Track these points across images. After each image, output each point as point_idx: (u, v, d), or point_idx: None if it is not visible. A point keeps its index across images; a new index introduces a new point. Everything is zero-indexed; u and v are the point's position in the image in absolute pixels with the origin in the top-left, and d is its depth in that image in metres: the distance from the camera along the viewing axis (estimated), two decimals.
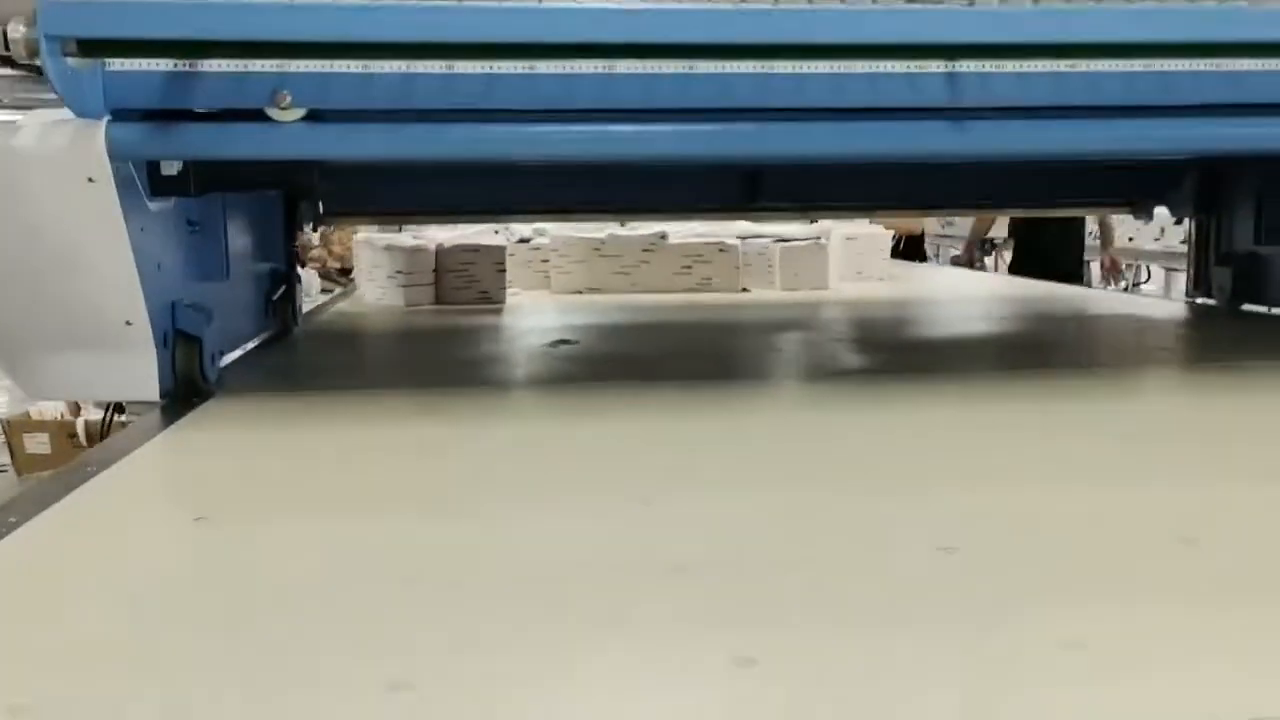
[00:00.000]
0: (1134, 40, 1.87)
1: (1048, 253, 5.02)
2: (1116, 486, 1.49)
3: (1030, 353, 2.82)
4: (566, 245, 4.28)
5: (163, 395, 2.06)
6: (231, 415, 2.00)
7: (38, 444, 5.76)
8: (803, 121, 1.97)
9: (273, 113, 1.87)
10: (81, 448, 5.59)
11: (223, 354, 2.29)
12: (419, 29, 1.76)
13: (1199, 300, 3.63)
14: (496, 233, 4.40)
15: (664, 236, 4.27)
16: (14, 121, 1.85)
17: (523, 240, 4.43)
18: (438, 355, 2.78)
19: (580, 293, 4.21)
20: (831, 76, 1.89)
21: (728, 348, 2.94)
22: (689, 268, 4.26)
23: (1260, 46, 1.92)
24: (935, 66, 1.88)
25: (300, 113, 1.88)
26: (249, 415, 2.00)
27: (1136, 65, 1.92)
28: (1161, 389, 2.26)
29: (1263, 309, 3.31)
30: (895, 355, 2.81)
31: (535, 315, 3.64)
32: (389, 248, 3.86)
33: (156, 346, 2.03)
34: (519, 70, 1.84)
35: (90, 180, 1.84)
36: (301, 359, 2.67)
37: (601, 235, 4.27)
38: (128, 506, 1.47)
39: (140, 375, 2.03)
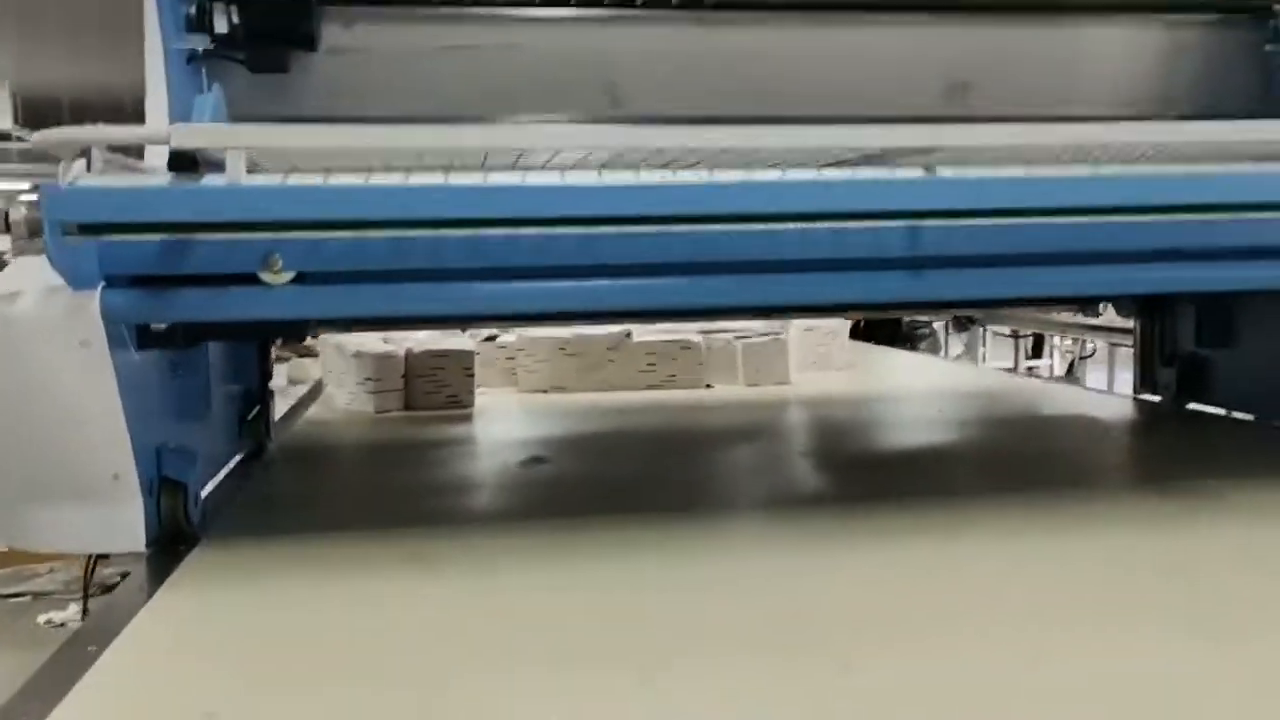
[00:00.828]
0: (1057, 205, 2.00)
1: None
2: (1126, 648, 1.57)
3: (991, 468, 2.91)
4: (532, 344, 4.35)
5: (148, 544, 2.09)
6: (221, 572, 2.03)
7: None
8: (771, 274, 2.07)
9: (265, 276, 1.93)
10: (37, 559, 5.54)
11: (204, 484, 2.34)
12: (404, 209, 1.83)
13: (1146, 397, 3.78)
14: (463, 330, 4.46)
15: (628, 335, 4.36)
16: (14, 293, 1.89)
17: (489, 338, 4.50)
18: (413, 480, 2.82)
19: (546, 391, 4.28)
20: (798, 233, 2.00)
21: (700, 466, 3.01)
22: (653, 365, 4.34)
23: (1184, 207, 2.05)
24: (897, 225, 1.99)
25: (290, 275, 1.95)
26: (238, 571, 2.03)
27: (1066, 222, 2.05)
28: (1134, 516, 2.34)
29: (1207, 409, 3.47)
30: (859, 473, 2.90)
31: (505, 422, 3.70)
32: (358, 354, 3.90)
33: (142, 495, 2.07)
34: (500, 236, 1.92)
35: (83, 344, 1.89)
36: (278, 489, 2.70)
37: (567, 334, 4.35)
38: (136, 705, 1.47)
39: (127, 526, 2.06)
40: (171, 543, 2.14)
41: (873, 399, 4.22)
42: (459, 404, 3.93)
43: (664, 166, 2.09)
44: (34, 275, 1.96)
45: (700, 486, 2.75)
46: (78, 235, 1.75)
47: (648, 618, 1.73)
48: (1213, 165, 2.13)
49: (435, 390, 3.92)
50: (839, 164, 2.13)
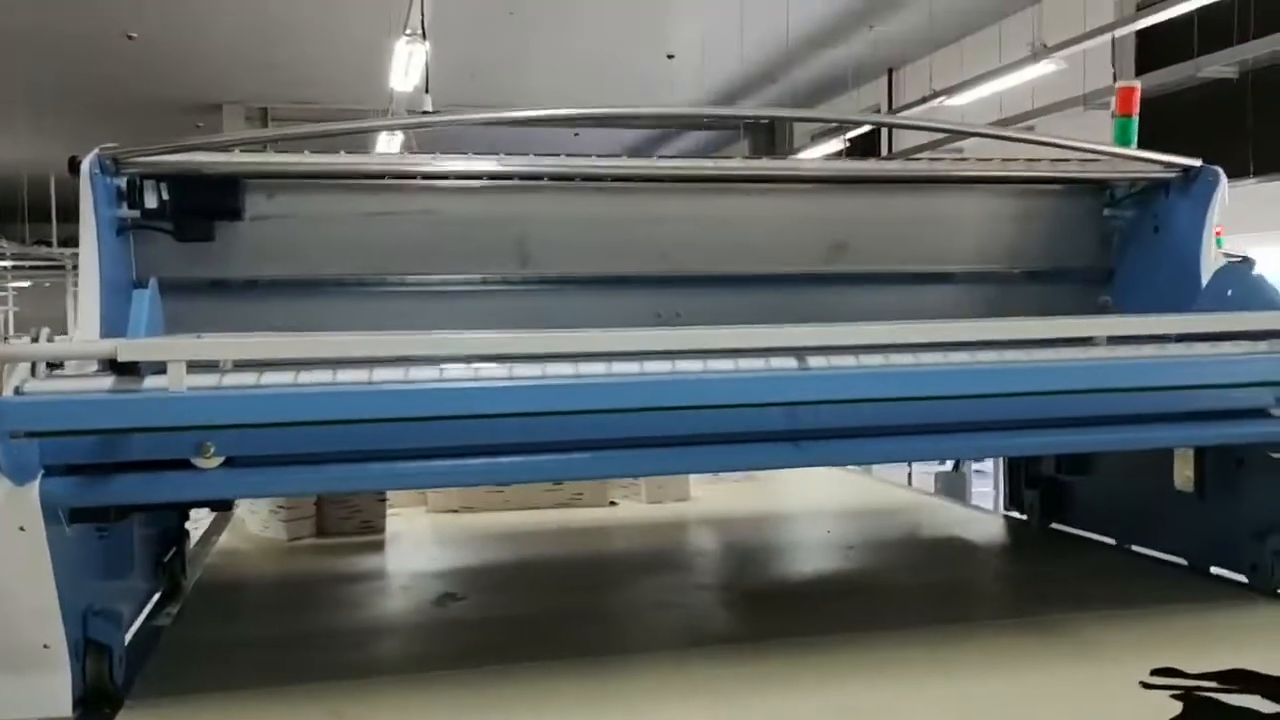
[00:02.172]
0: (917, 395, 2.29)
1: None
2: None
3: (868, 601, 3.12)
4: None
5: (74, 707, 2.20)
6: None
7: None
8: (667, 447, 2.32)
9: (197, 462, 2.09)
10: None
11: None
12: (321, 411, 2.01)
13: (1013, 514, 4.09)
14: None
15: None
16: None
17: None
18: (330, 623, 2.96)
19: (456, 511, 4.42)
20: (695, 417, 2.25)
21: (607, 600, 3.18)
22: (559, 485, 4.53)
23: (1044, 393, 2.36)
24: (776, 411, 2.25)
25: (220, 460, 2.11)
26: None
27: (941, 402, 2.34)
28: (991, 656, 2.58)
29: (1066, 529, 3.79)
30: (749, 608, 3.11)
31: (418, 551, 3.84)
32: None
33: (70, 660, 2.18)
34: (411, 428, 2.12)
35: (21, 529, 2.02)
36: (195, 637, 2.80)
37: None
38: None
39: (53, 692, 2.18)
40: (96, 704, 2.25)
41: (765, 517, 4.45)
42: (372, 529, 4.05)
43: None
44: None
45: (608, 624, 2.93)
46: (23, 438, 1.89)
47: None
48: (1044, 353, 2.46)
49: (349, 516, 4.04)
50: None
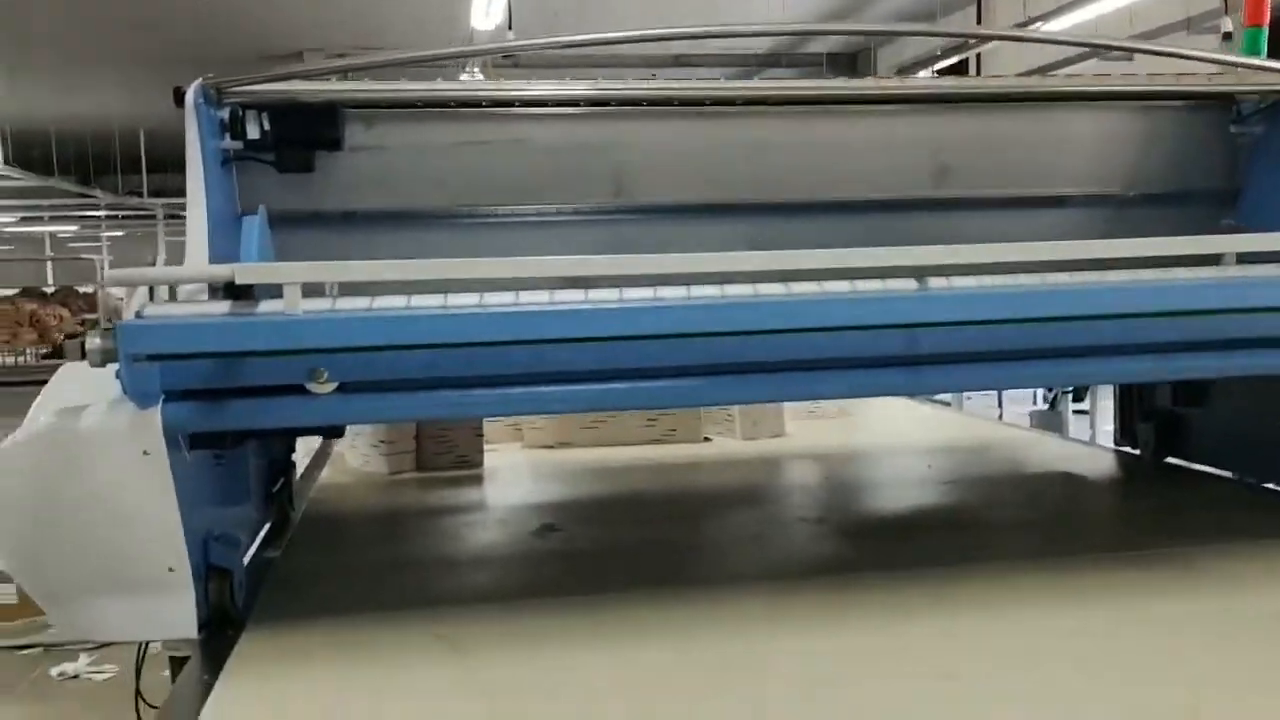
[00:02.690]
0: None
1: None
2: None
3: (979, 534, 3.05)
4: None
5: (200, 630, 2.25)
6: (271, 664, 2.17)
7: (3, 595, 5.80)
8: (780, 373, 2.26)
9: (311, 387, 2.09)
10: None
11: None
12: (441, 335, 2.00)
13: (1126, 450, 3.96)
14: None
15: None
16: (81, 407, 2.05)
17: None
18: (433, 552, 2.98)
19: (551, 447, 4.43)
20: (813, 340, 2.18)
21: (707, 532, 3.16)
22: (654, 421, 4.51)
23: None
24: (895, 335, 2.18)
25: (334, 385, 2.11)
26: (286, 663, 2.17)
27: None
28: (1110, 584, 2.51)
29: (1184, 463, 3.66)
30: (855, 541, 3.05)
31: (515, 485, 3.85)
32: None
33: (194, 584, 2.22)
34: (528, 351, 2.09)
35: (145, 453, 2.05)
36: (307, 566, 2.84)
37: None
38: None
39: (180, 615, 2.22)
40: (219, 627, 2.29)
41: (861, 453, 4.39)
42: (469, 464, 4.08)
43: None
44: (91, 384, 2.14)
45: (710, 555, 2.91)
46: (145, 362, 1.90)
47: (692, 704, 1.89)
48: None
49: (445, 451, 4.08)
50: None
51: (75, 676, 5.33)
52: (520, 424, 4.57)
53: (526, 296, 2.11)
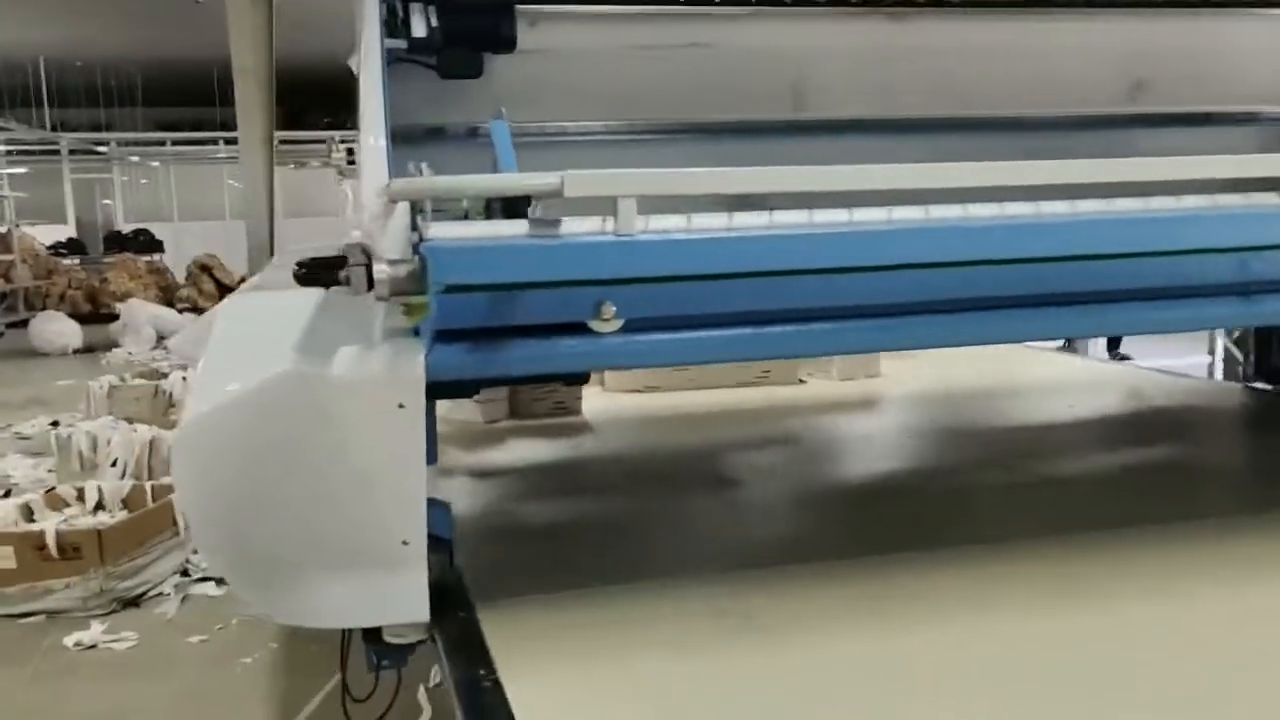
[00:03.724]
0: None
1: None
2: None
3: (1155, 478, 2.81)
4: None
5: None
6: (545, 656, 1.84)
7: (1, 559, 5.30)
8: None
9: (595, 325, 1.75)
10: (52, 560, 5.17)
11: None
12: (747, 260, 1.66)
13: (1256, 385, 3.81)
14: None
15: None
16: (328, 349, 1.68)
17: None
18: (620, 510, 2.66)
19: (640, 391, 4.12)
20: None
21: (923, 488, 2.82)
22: (745, 363, 4.21)
23: None
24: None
25: (620, 323, 1.77)
26: (563, 653, 1.85)
27: None
28: None
29: None
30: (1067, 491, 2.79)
31: (634, 433, 3.53)
32: None
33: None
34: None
35: (400, 406, 1.70)
36: (472, 526, 2.50)
37: None
38: None
39: (410, 595, 1.88)
40: (445, 606, 1.96)
41: (984, 394, 4.12)
42: (566, 410, 3.75)
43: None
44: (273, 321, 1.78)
45: (959, 515, 2.57)
46: (443, 294, 1.55)
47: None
48: None
49: (542, 397, 3.74)
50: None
51: (93, 646, 4.89)
52: None
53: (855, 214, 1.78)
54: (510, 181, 1.50)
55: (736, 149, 2.76)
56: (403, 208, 1.62)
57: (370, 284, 1.49)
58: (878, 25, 2.81)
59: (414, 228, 1.64)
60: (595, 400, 4.02)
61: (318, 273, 1.64)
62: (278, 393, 1.70)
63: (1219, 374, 7.54)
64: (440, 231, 1.55)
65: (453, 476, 2.97)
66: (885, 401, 3.93)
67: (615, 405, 3.97)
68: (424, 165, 1.65)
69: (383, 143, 2.14)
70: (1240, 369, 3.99)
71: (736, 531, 2.54)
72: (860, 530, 2.45)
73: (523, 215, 1.67)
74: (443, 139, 2.63)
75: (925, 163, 2.73)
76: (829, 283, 1.70)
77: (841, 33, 2.79)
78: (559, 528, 2.54)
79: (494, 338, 1.71)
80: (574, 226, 1.61)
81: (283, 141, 12.58)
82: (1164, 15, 2.97)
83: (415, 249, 1.62)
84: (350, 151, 2.95)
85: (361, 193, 2.22)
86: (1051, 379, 4.34)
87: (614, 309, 1.73)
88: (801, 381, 4.26)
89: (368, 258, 1.56)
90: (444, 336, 1.68)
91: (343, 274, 1.57)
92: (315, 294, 2.05)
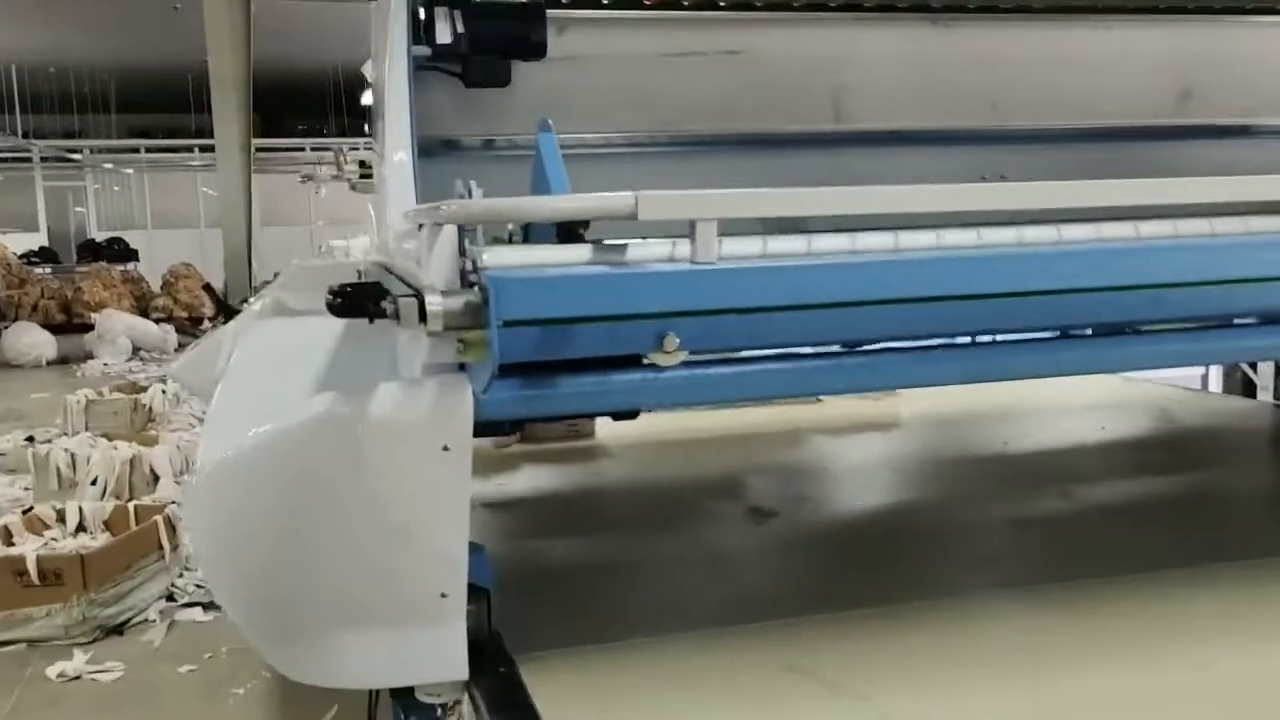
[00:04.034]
0: None
1: None
2: None
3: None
4: None
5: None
6: (576, 707, 1.69)
7: None
8: None
9: (656, 358, 1.59)
10: (33, 587, 4.96)
11: None
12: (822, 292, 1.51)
13: None
14: None
15: None
16: (367, 385, 1.52)
17: None
18: (652, 547, 2.50)
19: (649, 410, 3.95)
20: None
21: (979, 519, 2.69)
22: None
23: None
24: None
25: (683, 355, 1.61)
26: (596, 701, 1.69)
27: None
28: None
29: None
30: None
31: (659, 458, 3.37)
32: None
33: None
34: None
35: (445, 449, 1.54)
36: (508, 563, 2.33)
37: None
38: None
39: (449, 651, 1.72)
40: (485, 662, 1.80)
41: (1013, 413, 3.96)
42: (580, 434, 3.59)
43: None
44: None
45: (1016, 545, 2.44)
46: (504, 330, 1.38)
47: None
48: None
49: (555, 421, 3.57)
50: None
51: (77, 677, 4.69)
52: None
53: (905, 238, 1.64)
54: (580, 203, 1.35)
55: (773, 162, 2.61)
56: (449, 231, 1.46)
57: (423, 317, 1.33)
58: (920, 31, 2.68)
59: (462, 253, 1.48)
60: (605, 422, 3.85)
61: (357, 302, 1.47)
62: (311, 435, 1.54)
63: (1214, 385, 7.45)
64: (497, 259, 1.39)
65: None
66: (909, 424, 3.79)
67: (627, 427, 3.80)
68: (473, 184, 1.49)
69: (410, 158, 1.99)
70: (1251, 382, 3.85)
71: (777, 570, 2.39)
72: (909, 567, 2.30)
73: (577, 238, 1.52)
74: (459, 152, 2.48)
75: (970, 176, 2.64)
76: (914, 312, 1.55)
77: (884, 40, 2.66)
78: (589, 568, 2.37)
79: (547, 373, 1.55)
80: (641, 252, 1.46)
81: (259, 149, 12.39)
82: (1211, 22, 2.85)
83: (464, 278, 1.46)
84: (363, 164, 2.79)
85: (387, 212, 2.07)
86: (1070, 395, 4.20)
87: (677, 341, 1.57)
88: (818, 400, 4.11)
89: (418, 288, 1.41)
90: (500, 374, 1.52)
91: (388, 305, 1.41)
92: (339, 320, 1.90)
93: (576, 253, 1.44)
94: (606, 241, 1.45)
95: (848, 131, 2.65)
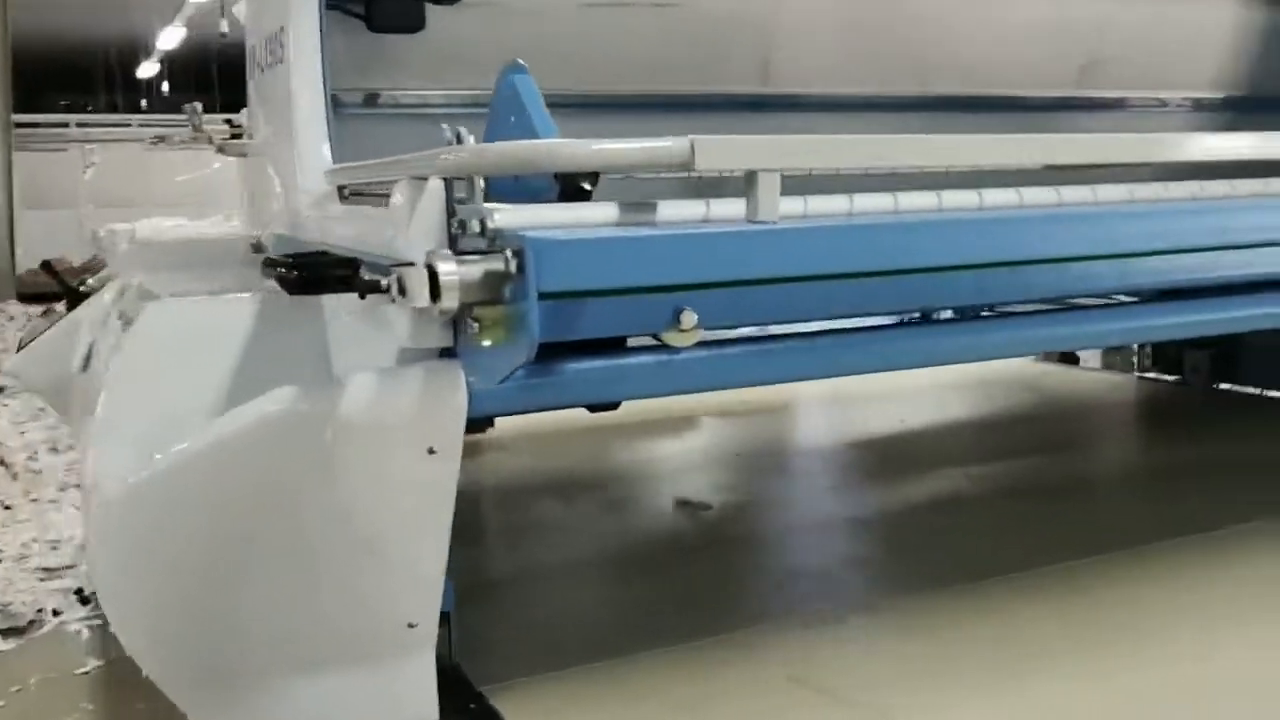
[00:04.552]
0: None
1: None
2: None
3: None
4: None
5: None
6: None
7: None
8: None
9: (667, 338, 1.36)
10: None
11: None
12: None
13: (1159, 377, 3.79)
14: None
15: None
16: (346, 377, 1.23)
17: None
18: (597, 552, 2.28)
19: None
20: None
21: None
22: None
23: None
24: None
25: (700, 335, 1.39)
26: None
27: None
28: None
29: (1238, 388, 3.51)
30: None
31: (560, 452, 3.11)
32: None
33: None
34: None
35: (431, 451, 1.27)
36: (486, 577, 2.06)
37: None
38: None
39: (417, 689, 1.45)
40: (452, 695, 1.54)
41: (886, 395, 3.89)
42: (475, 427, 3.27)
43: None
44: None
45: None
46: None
47: None
48: None
49: None
50: None
51: None
52: None
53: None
54: (625, 151, 1.10)
55: (697, 127, 2.41)
56: (435, 187, 1.19)
57: (435, 291, 1.06)
58: None
59: (451, 213, 1.21)
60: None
61: (320, 275, 1.19)
62: (264, 440, 1.24)
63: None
64: (516, 219, 1.13)
65: None
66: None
67: (522, 420, 3.52)
68: (461, 130, 1.22)
69: (325, 111, 1.70)
70: (1134, 359, 3.95)
71: (762, 569, 2.22)
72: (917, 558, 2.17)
73: (584, 195, 1.28)
74: (393, 109, 2.19)
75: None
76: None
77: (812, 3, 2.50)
78: (553, 577, 2.13)
79: (551, 357, 1.30)
80: (672, 212, 1.23)
81: (19, 125, 11.30)
82: None
83: (455, 243, 1.20)
84: (230, 123, 2.43)
85: (295, 173, 1.77)
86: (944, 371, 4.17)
87: (695, 318, 1.35)
88: None
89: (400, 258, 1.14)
90: None
91: (386, 281, 1.13)
92: (252, 302, 1.60)
93: (603, 212, 1.19)
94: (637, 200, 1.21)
95: (774, 95, 2.49)
